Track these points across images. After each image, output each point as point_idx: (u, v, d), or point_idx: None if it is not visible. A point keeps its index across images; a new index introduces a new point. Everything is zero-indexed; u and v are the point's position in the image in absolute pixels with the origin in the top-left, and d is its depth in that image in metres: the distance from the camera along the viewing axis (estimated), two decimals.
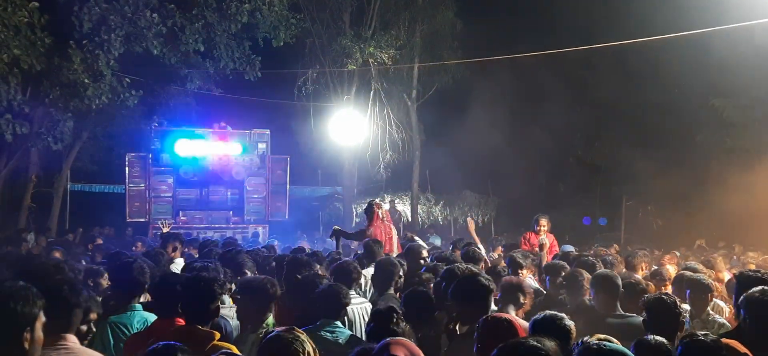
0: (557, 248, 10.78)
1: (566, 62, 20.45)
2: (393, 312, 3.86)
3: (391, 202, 23.41)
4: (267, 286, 4.82)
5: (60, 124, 13.93)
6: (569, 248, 11.21)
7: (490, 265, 7.29)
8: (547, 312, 3.84)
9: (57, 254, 7.39)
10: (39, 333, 2.83)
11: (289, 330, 3.38)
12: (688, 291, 5.93)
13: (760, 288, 4.28)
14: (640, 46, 15.72)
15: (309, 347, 3.27)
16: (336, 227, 9.74)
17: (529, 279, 6.83)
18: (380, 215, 9.42)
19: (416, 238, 9.47)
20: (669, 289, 6.46)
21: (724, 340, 3.62)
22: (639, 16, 17.18)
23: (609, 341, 3.15)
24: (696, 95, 19.02)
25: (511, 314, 4.67)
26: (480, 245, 8.86)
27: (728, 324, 5.56)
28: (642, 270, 7.60)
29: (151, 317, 4.80)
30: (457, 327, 4.14)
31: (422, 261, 6.92)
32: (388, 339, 3.38)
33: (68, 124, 14.10)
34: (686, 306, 5.77)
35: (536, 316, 3.80)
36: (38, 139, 14.29)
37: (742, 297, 4.29)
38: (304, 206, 23.61)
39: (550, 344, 2.84)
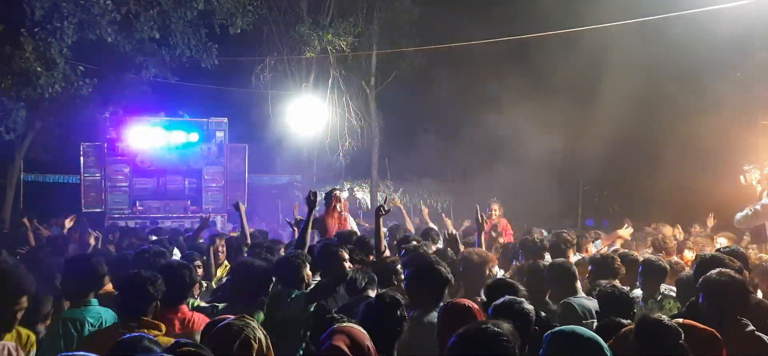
0: (510, 232, 11.01)
1: (524, 49, 20.61)
2: (397, 302, 3.84)
3: (350, 190, 23.42)
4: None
5: (12, 113, 13.67)
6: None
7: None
8: (507, 296, 3.90)
9: None
10: None
11: (240, 317, 3.42)
12: (640, 269, 6.08)
13: (717, 270, 4.45)
14: (596, 32, 15.93)
15: (260, 333, 3.31)
16: (298, 217, 9.70)
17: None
18: (338, 209, 9.36)
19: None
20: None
21: (682, 320, 3.71)
22: (595, 3, 17.35)
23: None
24: (650, 81, 19.33)
25: None
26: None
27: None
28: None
29: (106, 312, 4.78)
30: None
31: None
32: (334, 327, 3.40)
33: (20, 113, 13.85)
34: (638, 291, 5.94)
35: (496, 301, 3.86)
36: None
37: (700, 280, 4.45)
38: (263, 195, 23.49)
39: (506, 326, 2.90)
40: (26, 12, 12.47)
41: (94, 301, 4.81)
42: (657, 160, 19.55)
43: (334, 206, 9.34)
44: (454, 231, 7.56)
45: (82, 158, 17.96)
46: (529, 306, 3.72)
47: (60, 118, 17.95)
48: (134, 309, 4.23)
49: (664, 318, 3.51)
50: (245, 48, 20.77)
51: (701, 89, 18.10)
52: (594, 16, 15.64)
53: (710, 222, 11.57)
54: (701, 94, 18.18)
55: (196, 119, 18.63)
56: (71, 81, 13.59)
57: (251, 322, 3.37)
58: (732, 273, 4.46)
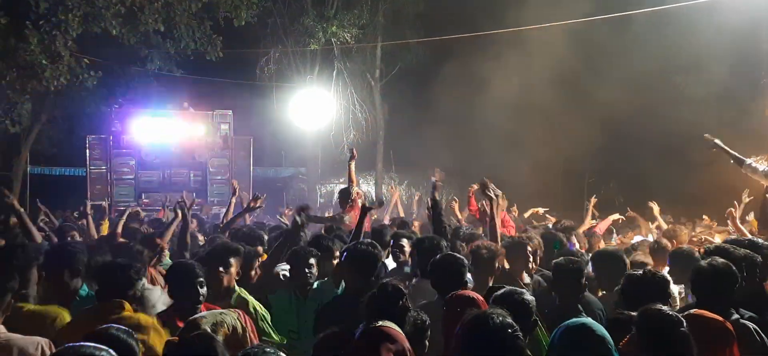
0: (512, 225, 11.05)
1: (528, 41, 20.52)
2: (400, 292, 3.79)
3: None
4: None
5: (18, 106, 13.72)
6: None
7: None
8: (507, 287, 3.88)
9: None
10: None
11: (220, 309, 3.62)
12: (669, 261, 5.85)
13: (708, 259, 4.38)
14: (600, 23, 15.87)
15: (238, 324, 3.54)
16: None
17: None
18: (359, 204, 9.41)
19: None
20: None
21: (693, 311, 3.67)
22: None
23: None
24: (657, 71, 19.27)
25: None
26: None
27: None
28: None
29: None
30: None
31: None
32: (372, 326, 3.34)
33: (26, 106, 13.92)
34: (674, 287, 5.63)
35: (497, 292, 3.83)
36: None
37: (693, 269, 4.39)
38: (268, 188, 23.43)
39: (508, 315, 2.91)
40: (31, 5, 12.46)
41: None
42: (663, 151, 19.50)
43: (356, 203, 9.47)
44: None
45: (87, 151, 17.95)
46: (529, 297, 3.69)
47: (65, 111, 18.01)
48: (104, 295, 4.28)
49: (666, 308, 3.37)
50: (250, 40, 20.75)
51: (708, 79, 18.05)
52: (601, 5, 15.59)
53: (655, 208, 11.56)
54: (708, 84, 18.12)
55: (201, 112, 18.60)
56: (76, 74, 13.59)
57: (231, 312, 3.64)
58: (722, 261, 4.30)
